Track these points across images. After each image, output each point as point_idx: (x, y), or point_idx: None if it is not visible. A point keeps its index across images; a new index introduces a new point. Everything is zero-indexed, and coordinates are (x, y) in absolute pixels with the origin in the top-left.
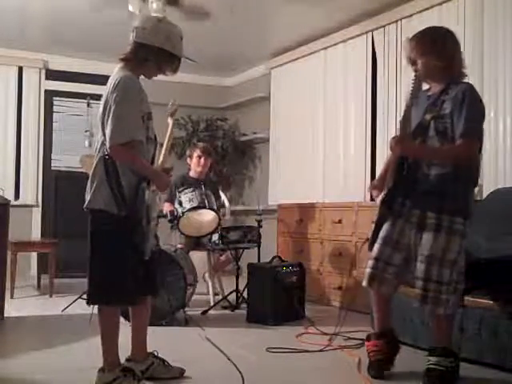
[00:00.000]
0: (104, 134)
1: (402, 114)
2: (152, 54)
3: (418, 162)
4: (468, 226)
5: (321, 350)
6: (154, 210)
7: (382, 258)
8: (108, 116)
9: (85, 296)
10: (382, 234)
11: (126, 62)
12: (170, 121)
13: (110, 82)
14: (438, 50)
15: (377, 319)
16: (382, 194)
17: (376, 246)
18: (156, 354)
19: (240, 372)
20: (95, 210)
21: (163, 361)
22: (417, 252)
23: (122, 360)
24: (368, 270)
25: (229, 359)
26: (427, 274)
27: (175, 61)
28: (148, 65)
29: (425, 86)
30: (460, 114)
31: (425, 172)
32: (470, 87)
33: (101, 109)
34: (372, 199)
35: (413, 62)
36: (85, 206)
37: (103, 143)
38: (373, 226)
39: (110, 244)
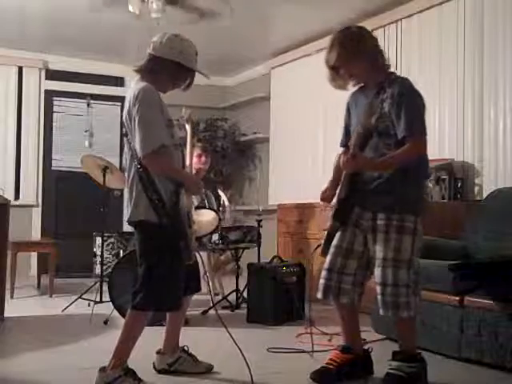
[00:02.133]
0: (130, 148)
1: (356, 133)
2: (165, 66)
3: None
4: (420, 223)
5: (321, 351)
6: (192, 213)
7: (334, 268)
8: (134, 128)
9: (85, 296)
10: (333, 243)
11: (141, 75)
12: (187, 127)
13: (130, 96)
14: (363, 52)
15: (342, 331)
16: (333, 204)
17: (328, 257)
18: (186, 349)
19: (249, 369)
20: (137, 221)
21: (192, 356)
22: (373, 256)
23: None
24: (321, 282)
25: (243, 355)
26: (383, 278)
27: (188, 75)
28: (162, 78)
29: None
30: (399, 112)
31: (373, 174)
32: (407, 82)
33: (126, 124)
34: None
35: (338, 71)
36: (127, 219)
37: (133, 157)
38: (325, 233)
39: (156, 253)
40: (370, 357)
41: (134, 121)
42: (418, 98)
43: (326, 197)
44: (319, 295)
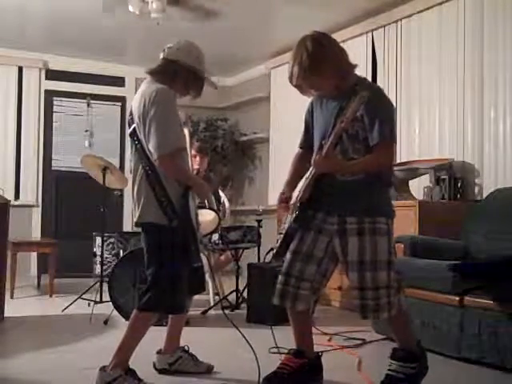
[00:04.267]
0: (137, 149)
1: (335, 132)
2: (182, 71)
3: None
4: (391, 225)
5: (321, 351)
6: (198, 215)
7: (292, 273)
8: (149, 129)
9: (85, 296)
10: (291, 247)
11: (154, 77)
12: (185, 130)
13: (144, 96)
14: (324, 68)
15: (295, 337)
16: (292, 205)
17: (286, 261)
18: (187, 348)
19: (259, 368)
20: (146, 223)
21: (192, 356)
22: (345, 260)
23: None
24: (279, 286)
25: (255, 354)
26: (362, 283)
27: (201, 82)
28: (176, 82)
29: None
30: (374, 119)
31: (338, 179)
32: (379, 89)
33: (137, 124)
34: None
35: (302, 88)
36: (135, 221)
37: (141, 158)
38: (280, 236)
39: (165, 254)
40: (321, 362)
41: (150, 122)
42: (391, 107)
43: (284, 199)
44: (276, 301)
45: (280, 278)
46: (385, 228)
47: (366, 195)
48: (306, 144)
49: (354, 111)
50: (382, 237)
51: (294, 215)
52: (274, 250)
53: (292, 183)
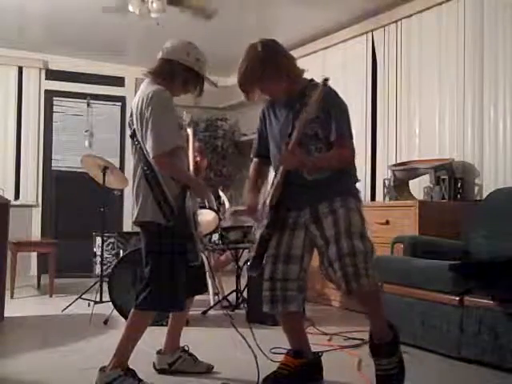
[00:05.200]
0: (137, 149)
1: (299, 126)
2: (180, 71)
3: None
4: (360, 208)
5: (321, 351)
6: (197, 215)
7: (276, 277)
8: (146, 129)
9: (85, 296)
10: (270, 252)
11: (153, 77)
12: (189, 131)
13: (141, 97)
14: (276, 74)
15: (289, 341)
16: (265, 215)
17: (267, 267)
18: (186, 348)
19: (258, 368)
20: (144, 222)
21: (192, 356)
22: (326, 242)
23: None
24: (266, 293)
25: (255, 356)
26: (339, 252)
27: (200, 82)
28: (175, 81)
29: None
30: (329, 114)
31: (307, 179)
32: (330, 88)
33: (135, 124)
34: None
35: (250, 94)
36: (133, 219)
37: (140, 158)
38: (254, 246)
39: (162, 253)
40: (321, 361)
41: (147, 122)
42: (345, 103)
43: (252, 210)
44: (266, 308)
45: (265, 284)
46: (355, 206)
47: (335, 184)
48: (261, 153)
49: (317, 99)
50: (354, 212)
51: (267, 221)
52: (250, 261)
53: (254, 191)
